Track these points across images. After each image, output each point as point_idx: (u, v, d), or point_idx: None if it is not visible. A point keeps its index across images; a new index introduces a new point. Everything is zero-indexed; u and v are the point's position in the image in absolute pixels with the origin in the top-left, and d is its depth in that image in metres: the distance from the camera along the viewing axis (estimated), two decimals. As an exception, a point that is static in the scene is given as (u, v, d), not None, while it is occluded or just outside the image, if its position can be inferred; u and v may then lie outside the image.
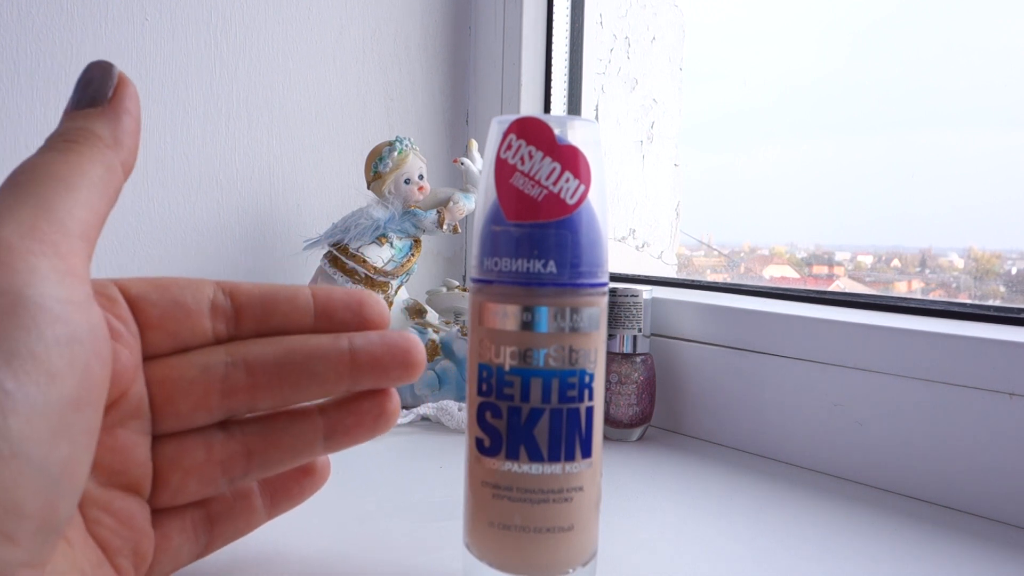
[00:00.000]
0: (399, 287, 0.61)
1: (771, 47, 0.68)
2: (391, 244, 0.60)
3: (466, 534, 0.30)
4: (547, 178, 0.28)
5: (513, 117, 0.28)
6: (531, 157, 0.28)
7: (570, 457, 0.29)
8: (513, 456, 0.28)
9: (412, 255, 0.61)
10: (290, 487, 0.31)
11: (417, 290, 0.72)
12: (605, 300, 0.30)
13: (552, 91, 0.73)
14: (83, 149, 0.23)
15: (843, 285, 0.65)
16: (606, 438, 0.53)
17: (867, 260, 0.67)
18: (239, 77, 0.65)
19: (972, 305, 0.47)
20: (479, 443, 0.29)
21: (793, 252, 0.72)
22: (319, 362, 0.27)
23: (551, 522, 0.28)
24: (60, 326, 0.20)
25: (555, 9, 0.72)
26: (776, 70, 0.68)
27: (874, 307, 0.50)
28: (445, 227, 0.61)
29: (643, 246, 0.78)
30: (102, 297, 0.25)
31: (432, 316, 0.63)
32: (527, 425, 0.28)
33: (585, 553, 0.30)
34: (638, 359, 0.53)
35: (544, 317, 0.28)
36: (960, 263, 0.60)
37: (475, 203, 0.51)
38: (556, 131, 0.28)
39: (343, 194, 0.71)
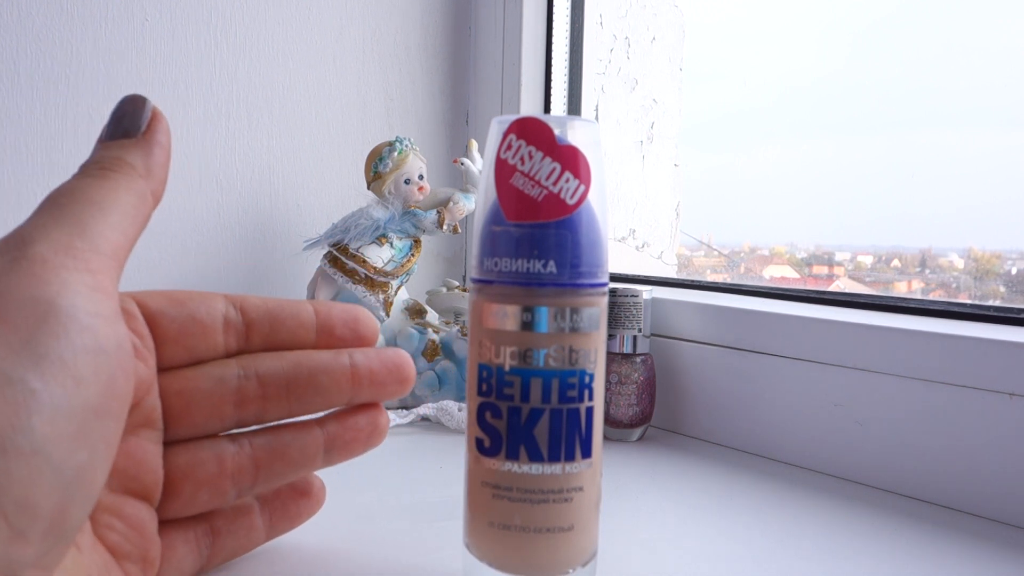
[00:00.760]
0: (399, 287, 0.61)
1: (771, 47, 0.68)
2: (391, 244, 0.60)
3: (466, 534, 0.30)
4: (547, 178, 0.28)
5: (513, 117, 0.28)
6: (531, 157, 0.28)
7: (570, 457, 0.29)
8: (513, 456, 0.28)
9: (412, 255, 0.61)
10: (288, 507, 0.32)
11: (417, 290, 0.72)
12: (605, 300, 0.30)
13: (552, 91, 0.73)
14: (118, 177, 0.24)
15: (843, 285, 0.65)
16: (606, 438, 0.53)
17: (867, 260, 0.67)
18: (239, 77, 0.65)
19: (972, 305, 0.47)
20: (479, 443, 0.29)
21: (793, 252, 0.72)
22: (324, 376, 0.29)
23: (551, 522, 0.28)
24: (88, 336, 0.21)
25: (555, 9, 0.72)
26: (776, 70, 0.68)
27: (874, 307, 0.50)
28: (445, 227, 0.61)
29: (643, 246, 0.78)
30: (122, 311, 0.25)
31: (432, 316, 0.63)
32: (527, 425, 0.28)
33: (585, 553, 0.30)
34: (638, 359, 0.53)
35: (544, 317, 0.28)
36: (960, 263, 0.60)
37: (475, 203, 0.51)
38: (556, 131, 0.28)
39: (343, 194, 0.71)
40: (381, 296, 0.59)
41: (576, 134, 0.29)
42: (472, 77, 0.77)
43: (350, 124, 0.71)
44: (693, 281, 0.63)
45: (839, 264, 0.68)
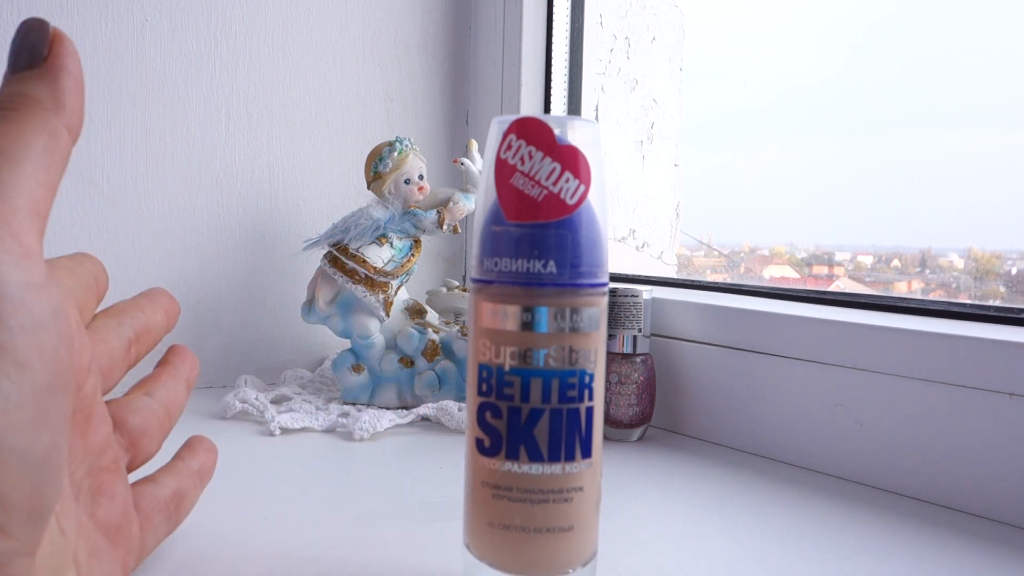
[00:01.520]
0: (399, 287, 0.61)
1: (771, 47, 0.68)
2: (391, 244, 0.60)
3: (466, 534, 0.30)
4: (547, 178, 0.28)
5: (513, 117, 0.28)
6: (531, 157, 0.28)
7: (570, 457, 0.29)
8: (513, 456, 0.28)
9: (412, 255, 0.61)
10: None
11: (417, 290, 0.72)
12: (605, 300, 0.30)
13: (552, 91, 0.73)
14: (22, 116, 0.21)
15: (843, 285, 0.65)
16: (606, 438, 0.53)
17: (867, 260, 0.67)
18: (239, 77, 0.65)
19: (972, 305, 0.47)
20: (479, 443, 0.29)
21: (793, 252, 0.72)
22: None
23: (551, 522, 0.28)
24: (23, 313, 0.19)
25: (555, 9, 0.72)
26: (776, 70, 0.68)
27: (874, 307, 0.50)
28: (445, 227, 0.61)
29: (643, 246, 0.78)
30: None
31: (432, 316, 0.63)
32: (527, 425, 0.28)
33: (585, 553, 0.30)
34: (638, 359, 0.53)
35: (544, 317, 0.28)
36: (960, 263, 0.60)
37: (475, 203, 0.51)
38: (556, 131, 0.28)
39: (343, 194, 0.71)
40: (381, 296, 0.59)
41: (576, 134, 0.29)
42: (472, 77, 0.77)
43: (350, 124, 0.71)
44: (693, 281, 0.63)
45: (839, 264, 0.68)
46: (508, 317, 0.28)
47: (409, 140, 0.61)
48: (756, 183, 0.70)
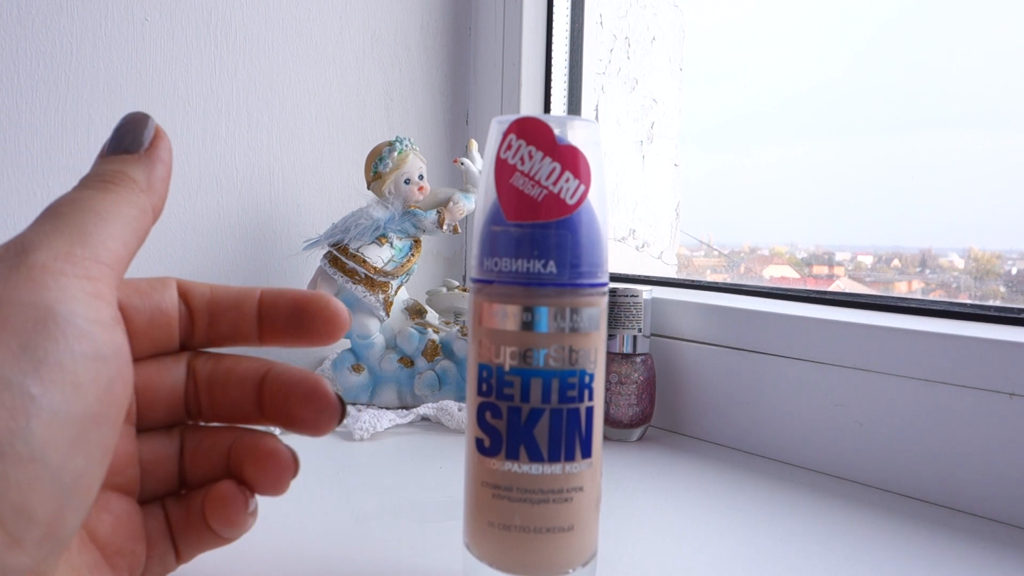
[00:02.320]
0: (399, 287, 0.61)
1: (771, 48, 0.68)
2: (391, 244, 0.60)
3: (466, 534, 0.30)
4: (547, 178, 0.28)
5: (513, 117, 0.28)
6: (531, 157, 0.28)
7: (570, 457, 0.29)
8: (513, 456, 0.28)
9: (412, 255, 0.61)
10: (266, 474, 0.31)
11: (417, 290, 0.72)
12: (605, 300, 0.30)
13: (552, 91, 0.73)
14: (119, 189, 0.24)
15: (843, 285, 0.65)
16: (606, 438, 0.53)
17: (867, 260, 0.67)
18: (239, 77, 0.65)
19: (972, 305, 0.47)
20: (479, 443, 0.29)
21: (793, 252, 0.72)
22: (235, 389, 0.28)
23: (551, 522, 0.28)
24: (87, 342, 0.21)
25: (555, 9, 0.72)
26: (776, 71, 0.68)
27: (874, 307, 0.50)
28: (445, 227, 0.61)
29: (643, 246, 0.78)
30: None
31: (432, 316, 0.63)
32: (527, 425, 0.28)
33: (585, 553, 0.30)
34: (638, 359, 0.53)
35: (544, 317, 0.28)
36: (960, 263, 0.60)
37: (475, 203, 0.51)
38: (556, 131, 0.28)
39: (343, 194, 0.71)
40: (381, 296, 0.59)
41: (576, 134, 0.29)
42: (472, 77, 0.77)
43: (350, 124, 0.71)
44: (693, 281, 0.63)
45: (839, 264, 0.68)
46: (508, 317, 0.28)
47: (409, 140, 0.61)
48: (756, 183, 0.70)
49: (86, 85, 0.58)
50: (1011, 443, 0.40)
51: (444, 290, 0.69)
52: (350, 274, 0.58)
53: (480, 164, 0.62)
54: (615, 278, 0.66)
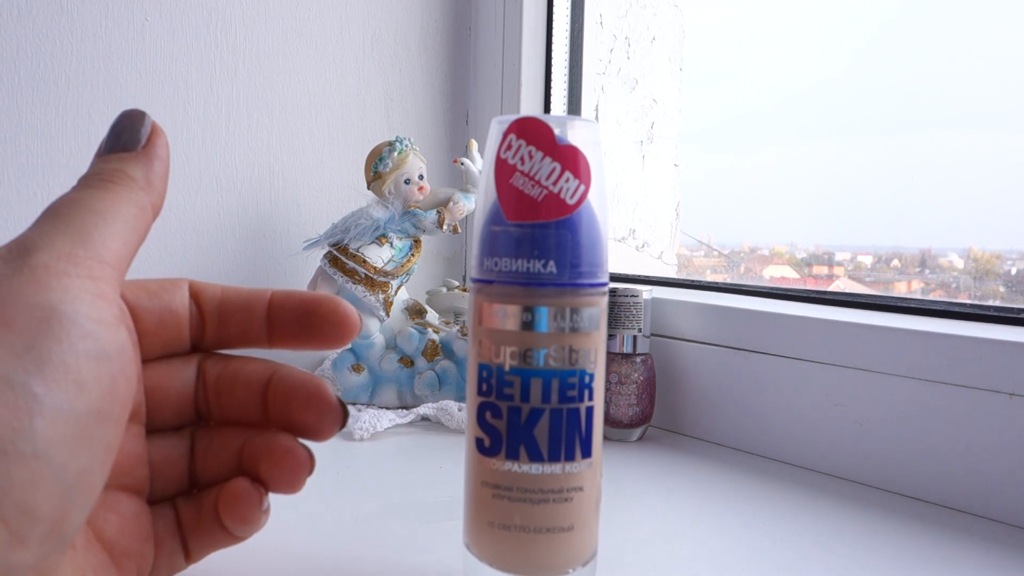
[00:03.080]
0: (399, 287, 0.61)
1: (771, 48, 0.68)
2: (391, 244, 0.60)
3: (466, 534, 0.30)
4: (547, 178, 0.28)
5: (513, 117, 0.28)
6: (531, 157, 0.28)
7: (570, 457, 0.29)
8: (513, 456, 0.28)
9: (412, 255, 0.61)
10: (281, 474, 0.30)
11: (417, 290, 0.72)
12: (605, 300, 0.30)
13: (552, 91, 0.73)
14: (118, 188, 0.24)
15: (843, 285, 0.65)
16: (606, 438, 0.53)
17: (867, 260, 0.67)
18: (239, 77, 0.65)
19: (972, 305, 0.47)
20: (479, 443, 0.29)
21: (793, 252, 0.72)
22: (243, 390, 0.28)
23: (551, 522, 0.28)
24: (90, 341, 0.21)
25: (555, 9, 0.72)
26: (776, 71, 0.68)
27: (874, 307, 0.50)
28: (445, 227, 0.61)
29: (643, 246, 0.78)
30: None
31: (432, 316, 0.63)
32: (527, 425, 0.28)
33: (585, 553, 0.30)
34: (638, 359, 0.53)
35: (544, 317, 0.28)
36: (960, 263, 0.60)
37: (475, 203, 0.51)
38: (556, 131, 0.28)
39: (343, 194, 0.71)
40: (381, 296, 0.59)
41: (576, 134, 0.29)
42: (472, 77, 0.77)
43: (350, 124, 0.71)
44: (693, 281, 0.63)
45: (839, 264, 0.68)
46: (508, 317, 0.28)
47: (409, 140, 0.61)
48: (756, 183, 0.70)
49: (86, 85, 0.58)
50: (1011, 443, 0.40)
51: (444, 290, 0.69)
52: (350, 274, 0.58)
53: (480, 164, 0.62)
54: (615, 278, 0.66)
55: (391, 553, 0.34)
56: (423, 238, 0.62)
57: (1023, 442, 0.40)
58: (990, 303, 0.47)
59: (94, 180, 0.25)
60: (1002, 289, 0.58)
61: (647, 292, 0.53)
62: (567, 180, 0.28)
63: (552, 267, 0.28)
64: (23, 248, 0.22)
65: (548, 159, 0.28)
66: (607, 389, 0.53)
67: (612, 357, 0.53)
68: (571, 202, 0.28)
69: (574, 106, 0.74)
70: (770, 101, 0.69)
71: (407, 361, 0.60)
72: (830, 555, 0.36)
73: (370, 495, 0.42)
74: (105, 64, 0.59)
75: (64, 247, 0.22)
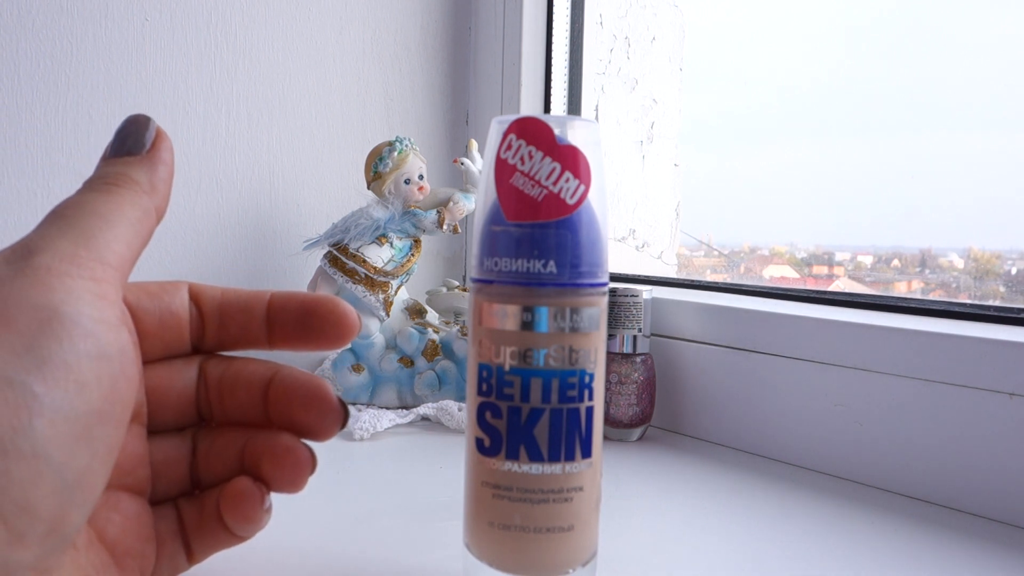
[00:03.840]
0: (399, 287, 0.61)
1: (771, 48, 0.68)
2: (391, 244, 0.60)
3: (466, 534, 0.30)
4: (547, 178, 0.28)
5: (513, 117, 0.28)
6: (531, 157, 0.28)
7: (570, 457, 0.29)
8: (513, 456, 0.28)
9: (412, 255, 0.61)
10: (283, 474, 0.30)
11: (417, 290, 0.72)
12: (605, 300, 0.30)
13: (552, 91, 0.73)
14: (122, 191, 0.25)
15: (843, 285, 0.65)
16: (606, 438, 0.53)
17: (867, 260, 0.67)
18: (239, 77, 0.65)
19: (972, 305, 0.47)
20: (479, 443, 0.29)
21: (793, 252, 0.72)
22: (244, 391, 0.28)
23: (551, 522, 0.28)
24: (91, 341, 0.21)
25: (555, 9, 0.72)
26: (776, 71, 0.68)
27: (874, 307, 0.50)
28: (445, 227, 0.61)
29: (643, 246, 0.78)
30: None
31: (432, 316, 0.63)
32: (527, 425, 0.28)
33: (585, 553, 0.30)
34: (638, 359, 0.53)
35: (544, 317, 0.28)
36: (960, 263, 0.60)
37: (475, 203, 0.51)
38: (556, 131, 0.28)
39: (343, 194, 0.71)
40: (381, 296, 0.59)
41: (576, 134, 0.29)
42: (472, 77, 0.77)
43: (350, 124, 0.71)
44: (693, 281, 0.63)
45: (839, 264, 0.68)
46: (508, 317, 0.28)
47: (409, 140, 0.61)
48: (756, 183, 0.70)
49: (86, 85, 0.58)
50: (1011, 443, 0.40)
51: (444, 290, 0.69)
52: (350, 274, 0.58)
53: (480, 164, 0.62)
54: (615, 278, 0.66)
55: (391, 553, 0.34)
56: (423, 238, 0.62)
57: (1023, 442, 0.40)
58: (990, 303, 0.47)
59: (98, 183, 0.25)
60: (1002, 289, 0.58)
61: (647, 292, 0.53)
62: (567, 180, 0.28)
63: (552, 267, 0.28)
64: (26, 250, 0.22)
65: (548, 159, 0.28)
66: (607, 389, 0.53)
67: (612, 357, 0.53)
68: (571, 202, 0.28)
69: (574, 106, 0.74)
70: (770, 101, 0.69)
71: (407, 361, 0.60)
72: (830, 555, 0.36)
73: (370, 495, 0.42)
74: (105, 64, 0.59)
75: (67, 249, 0.22)
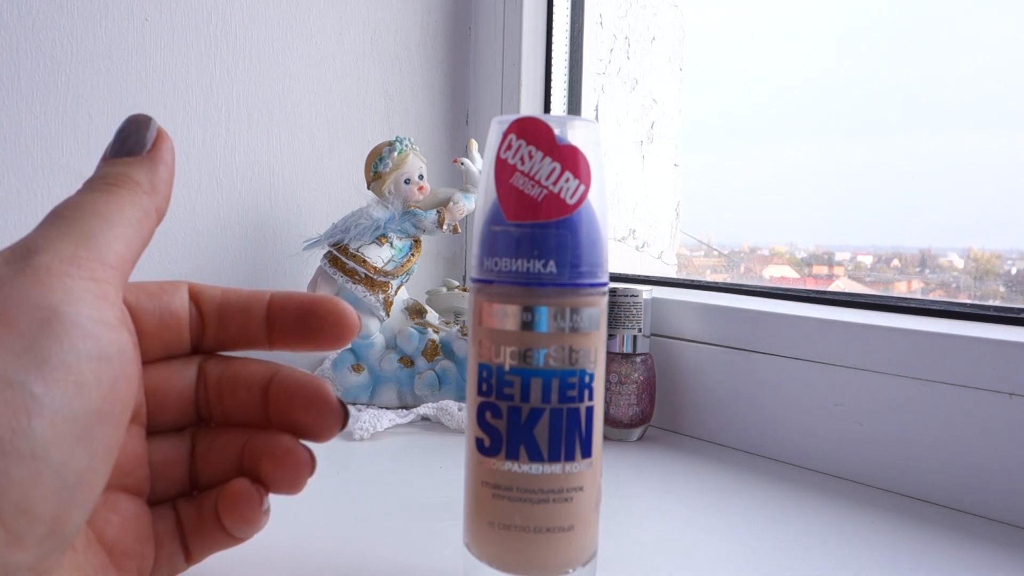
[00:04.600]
0: (399, 287, 0.61)
1: (771, 48, 0.68)
2: (391, 244, 0.60)
3: (466, 534, 0.30)
4: (547, 178, 0.28)
5: (513, 117, 0.28)
6: (531, 157, 0.28)
7: (570, 457, 0.29)
8: (513, 456, 0.28)
9: (412, 255, 0.61)
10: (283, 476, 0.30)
11: (417, 290, 0.72)
12: (605, 300, 0.30)
13: (552, 91, 0.73)
14: (123, 192, 0.25)
15: (843, 285, 0.65)
16: (606, 438, 0.53)
17: (867, 260, 0.67)
18: (239, 77, 0.65)
19: (972, 305, 0.47)
20: (479, 443, 0.29)
21: (793, 252, 0.72)
22: (244, 391, 0.28)
23: (551, 522, 0.28)
24: (91, 342, 0.21)
25: (555, 9, 0.72)
26: (776, 71, 0.68)
27: (874, 307, 0.50)
28: (445, 227, 0.61)
29: (643, 246, 0.78)
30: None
31: (432, 316, 0.63)
32: (527, 425, 0.28)
33: (585, 553, 0.30)
34: (638, 359, 0.53)
35: (544, 317, 0.28)
36: (960, 263, 0.60)
37: (475, 203, 0.51)
38: (556, 131, 0.28)
39: (343, 194, 0.71)
40: (381, 296, 0.59)
41: (576, 134, 0.29)
42: (472, 77, 0.77)
43: (350, 124, 0.71)
44: (693, 281, 0.63)
45: (839, 264, 0.68)
46: (508, 317, 0.28)
47: (409, 140, 0.61)
48: (756, 183, 0.70)
49: (86, 85, 0.58)
50: (1011, 443, 0.40)
51: (444, 290, 0.69)
52: (350, 274, 0.58)
53: (480, 164, 0.62)
54: (615, 278, 0.66)
55: (391, 553, 0.34)
56: (423, 238, 0.62)
57: (1023, 442, 0.40)
58: (990, 303, 0.47)
59: (98, 184, 0.25)
60: (1002, 289, 0.58)
61: (647, 292, 0.53)
62: (567, 180, 0.28)
63: (552, 267, 0.28)
64: (26, 250, 0.22)
65: (548, 159, 0.28)
66: (607, 389, 0.53)
67: (612, 357, 0.53)
68: (571, 202, 0.28)
69: (574, 106, 0.74)
70: (770, 101, 0.69)
71: (407, 361, 0.60)
72: (830, 555, 0.36)
73: (370, 495, 0.42)
74: (105, 64, 0.59)
75: (67, 249, 0.22)
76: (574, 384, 0.29)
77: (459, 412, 0.55)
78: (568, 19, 0.73)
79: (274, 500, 0.29)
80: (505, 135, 0.28)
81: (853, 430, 0.46)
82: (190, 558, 0.28)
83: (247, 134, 0.66)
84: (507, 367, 0.28)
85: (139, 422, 0.27)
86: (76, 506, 0.20)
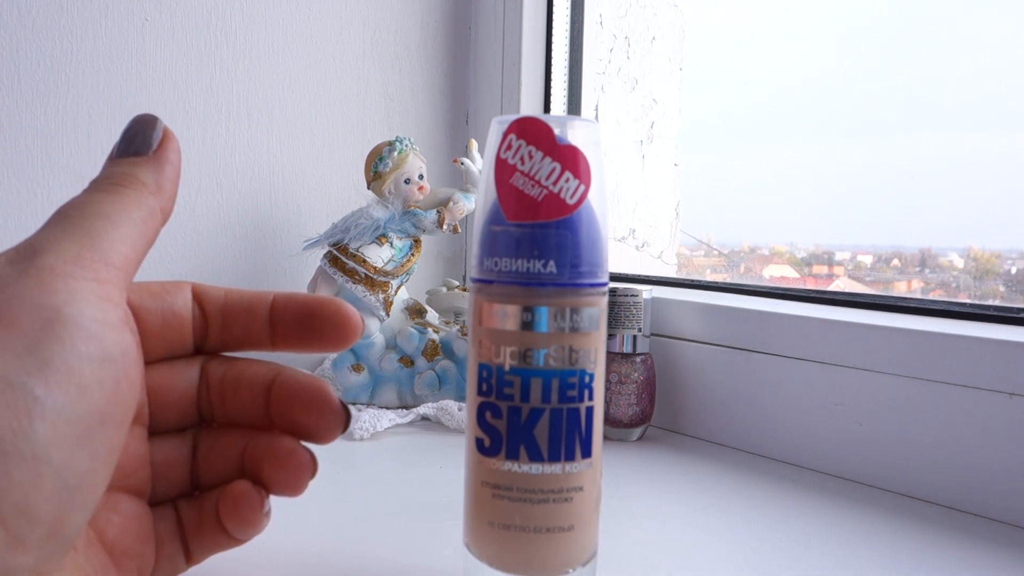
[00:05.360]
0: (399, 287, 0.61)
1: (771, 48, 0.68)
2: (391, 244, 0.60)
3: (466, 534, 0.30)
4: (547, 178, 0.28)
5: (513, 117, 0.28)
6: (531, 157, 0.28)
7: (570, 457, 0.29)
8: (513, 456, 0.28)
9: (412, 255, 0.61)
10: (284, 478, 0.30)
11: (417, 290, 0.72)
12: (605, 300, 0.30)
13: (552, 91, 0.73)
14: (128, 192, 0.24)
15: (843, 285, 0.65)
16: (606, 438, 0.53)
17: (867, 260, 0.67)
18: (239, 77, 0.65)
19: (972, 305, 0.47)
20: (479, 443, 0.29)
21: (793, 252, 0.72)
22: (247, 392, 0.28)
23: (551, 522, 0.28)
24: (94, 343, 0.21)
25: (555, 9, 0.72)
26: (776, 71, 0.68)
27: (874, 307, 0.50)
28: (445, 227, 0.61)
29: (643, 246, 0.78)
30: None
31: (432, 316, 0.63)
32: (527, 425, 0.28)
33: (585, 553, 0.30)
34: (638, 359, 0.53)
35: (544, 317, 0.28)
36: (960, 263, 0.60)
37: (475, 203, 0.51)
38: (556, 131, 0.28)
39: (343, 194, 0.71)
40: (381, 296, 0.59)
41: (576, 134, 0.29)
42: (472, 77, 0.77)
43: (350, 124, 0.71)
44: (693, 281, 0.63)
45: (839, 264, 0.68)
46: (508, 317, 0.28)
47: (409, 140, 0.61)
48: (756, 183, 0.70)
49: (86, 85, 0.58)
50: (1011, 443, 0.40)
51: (444, 290, 0.69)
52: (350, 274, 0.58)
53: (480, 164, 0.62)
54: (615, 278, 0.66)
55: (391, 553, 0.34)
56: (423, 238, 0.62)
57: (1023, 442, 0.40)
58: (990, 303, 0.47)
59: (104, 184, 0.25)
60: (1002, 289, 0.58)
61: (647, 292, 0.53)
62: (567, 180, 0.28)
63: (552, 267, 0.28)
64: (30, 250, 0.22)
65: (548, 159, 0.28)
66: (607, 389, 0.53)
67: (612, 357, 0.53)
68: (571, 202, 0.28)
69: (574, 106, 0.74)
70: (770, 101, 0.69)
71: (407, 361, 0.60)
72: (830, 555, 0.36)
73: (370, 495, 0.42)
74: (105, 64, 0.59)
75: (71, 250, 0.22)
76: (574, 384, 0.29)
77: (459, 412, 0.55)
78: (568, 19, 0.73)
79: (274, 500, 0.29)
80: (505, 135, 0.28)
81: (853, 430, 0.46)
82: (191, 558, 0.28)
83: (247, 134, 0.66)
84: (507, 367, 0.28)
85: (141, 423, 0.27)
86: (77, 508, 0.20)
